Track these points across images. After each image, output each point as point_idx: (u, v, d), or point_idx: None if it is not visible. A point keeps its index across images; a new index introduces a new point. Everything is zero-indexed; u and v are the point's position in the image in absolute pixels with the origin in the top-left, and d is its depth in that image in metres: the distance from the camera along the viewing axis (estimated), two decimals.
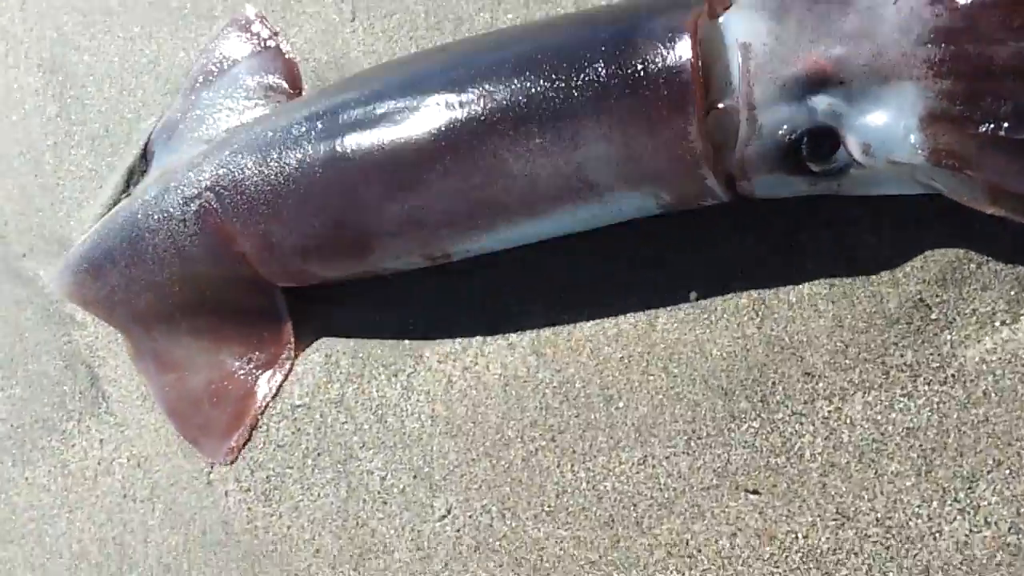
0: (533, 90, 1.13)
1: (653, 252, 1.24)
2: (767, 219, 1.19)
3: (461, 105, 1.17)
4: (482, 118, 1.15)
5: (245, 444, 1.48)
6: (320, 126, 1.30)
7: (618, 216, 1.20)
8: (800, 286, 1.16)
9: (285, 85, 1.59)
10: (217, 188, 1.41)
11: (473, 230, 1.23)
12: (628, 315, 1.23)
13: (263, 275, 1.42)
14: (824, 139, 1.04)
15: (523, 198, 1.17)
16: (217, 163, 1.44)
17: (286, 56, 1.63)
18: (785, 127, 1.04)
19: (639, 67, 1.09)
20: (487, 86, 1.16)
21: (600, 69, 1.10)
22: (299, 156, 1.32)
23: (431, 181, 1.20)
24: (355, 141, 1.25)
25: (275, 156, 1.34)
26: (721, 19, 1.08)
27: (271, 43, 1.67)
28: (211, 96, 1.66)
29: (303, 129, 1.33)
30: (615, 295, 1.24)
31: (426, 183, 1.20)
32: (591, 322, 1.25)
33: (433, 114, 1.19)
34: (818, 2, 1.03)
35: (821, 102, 1.02)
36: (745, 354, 1.15)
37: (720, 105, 1.06)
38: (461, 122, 1.17)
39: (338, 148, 1.27)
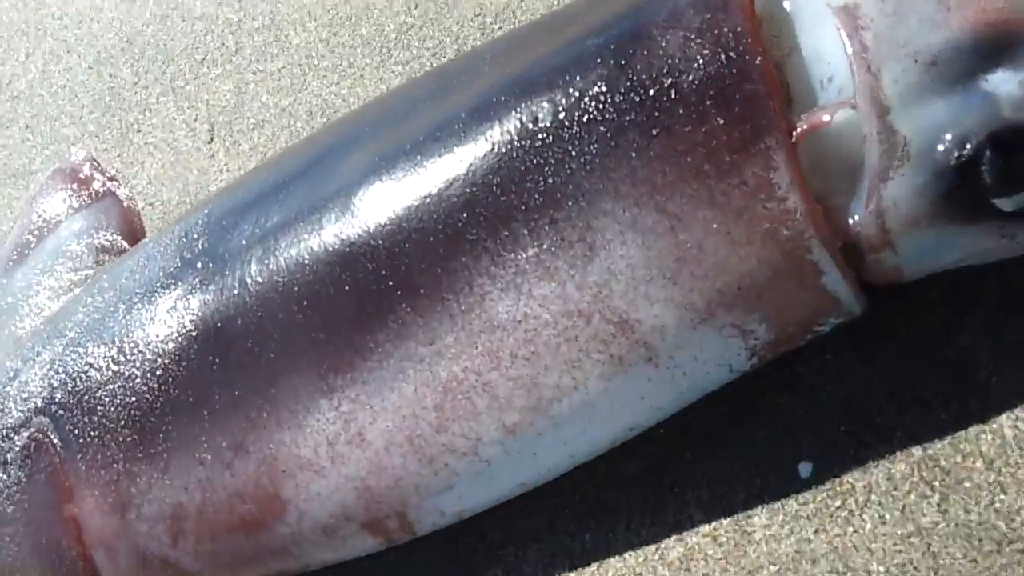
0: (506, 164, 0.66)
1: (719, 407, 0.76)
2: (905, 318, 0.72)
3: (406, 214, 0.70)
4: (440, 230, 0.68)
5: None
6: (195, 282, 0.82)
7: (689, 389, 0.69)
8: (996, 423, 0.67)
9: (124, 243, 1.13)
10: (53, 407, 0.91)
11: (448, 456, 0.71)
12: (698, 524, 0.73)
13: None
14: (1020, 146, 0.58)
15: (524, 375, 0.67)
16: (50, 365, 0.94)
17: (125, 204, 1.18)
18: (949, 137, 0.57)
19: (664, 86, 0.62)
20: (437, 172, 0.70)
21: (602, 103, 0.63)
22: (166, 337, 0.82)
23: (375, 359, 0.71)
24: (245, 303, 0.78)
25: (134, 342, 0.85)
26: None
27: (105, 190, 1.22)
28: (28, 275, 1.19)
29: (171, 293, 0.84)
30: (669, 496, 0.74)
31: (367, 363, 0.71)
32: (631, 550, 0.76)
33: (365, 236, 0.72)
34: None
35: (1005, 82, 0.56)
36: (934, 568, 0.65)
37: (824, 117, 0.60)
38: (409, 243, 0.69)
39: (220, 318, 0.79)
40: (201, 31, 1.21)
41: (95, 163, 1.24)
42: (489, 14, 1.03)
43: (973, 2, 0.55)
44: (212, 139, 1.14)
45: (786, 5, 0.63)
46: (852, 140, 0.59)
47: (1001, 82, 0.55)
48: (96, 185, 1.23)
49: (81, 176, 1.25)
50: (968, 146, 0.56)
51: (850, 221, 0.61)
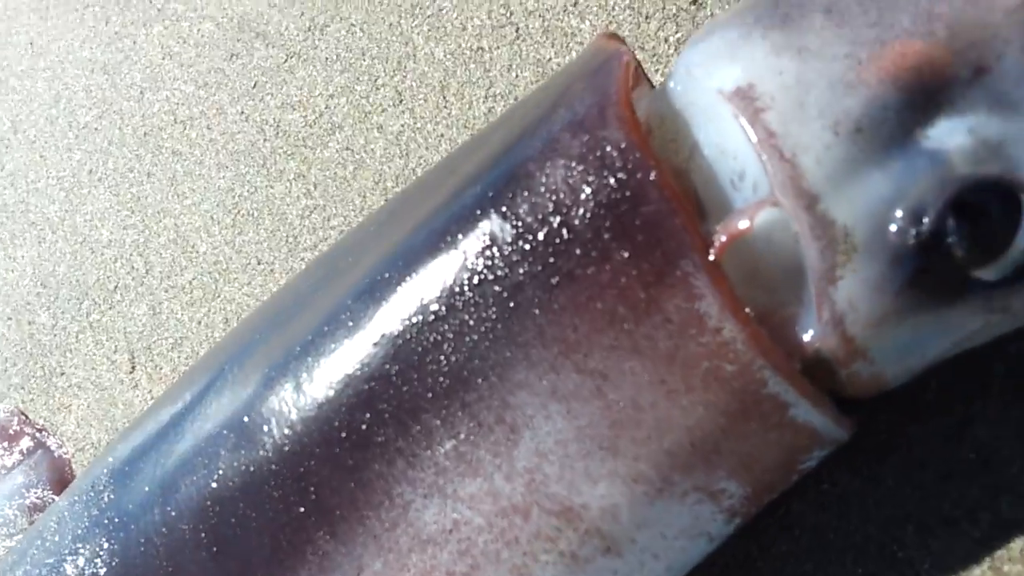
0: (401, 349, 0.54)
1: (708, 571, 0.60)
2: (904, 424, 0.57)
3: (304, 427, 0.56)
4: (344, 438, 0.55)
5: None
6: (103, 545, 0.68)
7: (666, 571, 0.53)
8: None
9: (55, 499, 0.99)
10: None
11: None
12: None
13: None
14: (989, 204, 0.45)
15: None
16: None
17: (55, 455, 1.04)
18: (899, 214, 0.44)
19: (553, 227, 0.49)
20: (330, 372, 0.57)
21: (490, 261, 0.51)
22: None
23: None
24: (154, 562, 0.63)
25: None
26: (676, 79, 0.52)
27: (35, 443, 1.08)
28: None
29: (79, 562, 0.70)
30: None
31: None
32: None
33: (265, 461, 0.58)
34: None
35: (951, 133, 0.43)
36: None
37: (741, 224, 0.47)
38: (314, 459, 0.56)
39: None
40: (111, 258, 1.10)
41: (23, 417, 1.11)
42: (389, 178, 0.92)
43: (888, 48, 0.44)
44: (133, 368, 1.01)
45: (675, 103, 0.51)
46: (784, 241, 0.46)
47: (945, 134, 0.43)
48: (25, 440, 1.10)
49: (11, 433, 1.13)
50: (926, 219, 0.43)
51: (804, 337, 0.47)
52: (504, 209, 0.52)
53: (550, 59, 0.86)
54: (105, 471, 0.75)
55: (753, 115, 0.46)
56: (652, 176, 0.47)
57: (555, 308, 0.49)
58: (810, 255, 0.45)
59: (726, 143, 0.48)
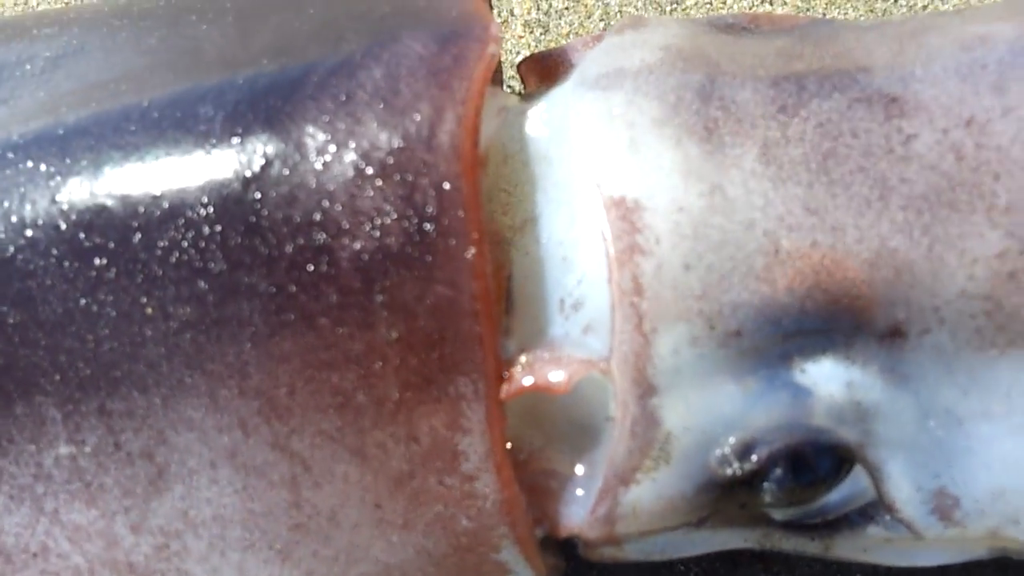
0: (29, 286, 0.37)
1: None
2: None
3: None
4: None
5: None
6: None
7: None
8: None
9: None
10: None
11: None
12: None
13: None
14: (821, 464, 0.39)
15: None
16: None
17: None
18: (732, 441, 0.36)
19: (313, 244, 0.35)
20: None
21: (210, 237, 0.35)
22: None
23: None
24: None
25: None
26: (541, 103, 0.40)
27: None
28: None
29: None
30: None
31: None
32: None
33: None
34: (820, 96, 0.37)
35: (830, 378, 0.34)
36: None
37: (557, 378, 0.35)
38: None
39: None
40: None
41: None
42: None
43: (818, 253, 0.33)
44: None
45: (531, 149, 0.38)
46: (593, 412, 0.36)
47: (823, 376, 0.34)
48: None
49: None
50: (755, 458, 0.35)
51: (563, 518, 0.38)
52: (252, 165, 0.35)
53: None
54: None
55: (626, 251, 0.33)
56: (468, 254, 0.35)
57: (275, 351, 0.36)
58: (616, 447, 0.35)
59: (575, 252, 0.35)
